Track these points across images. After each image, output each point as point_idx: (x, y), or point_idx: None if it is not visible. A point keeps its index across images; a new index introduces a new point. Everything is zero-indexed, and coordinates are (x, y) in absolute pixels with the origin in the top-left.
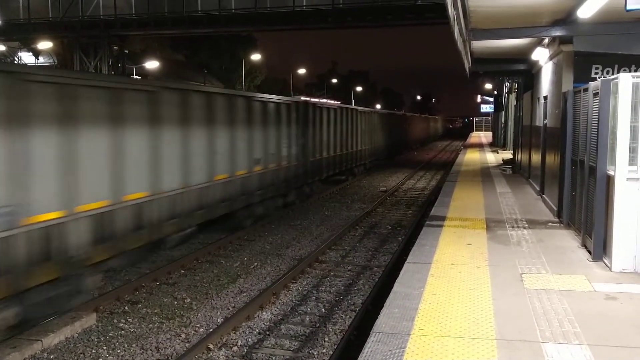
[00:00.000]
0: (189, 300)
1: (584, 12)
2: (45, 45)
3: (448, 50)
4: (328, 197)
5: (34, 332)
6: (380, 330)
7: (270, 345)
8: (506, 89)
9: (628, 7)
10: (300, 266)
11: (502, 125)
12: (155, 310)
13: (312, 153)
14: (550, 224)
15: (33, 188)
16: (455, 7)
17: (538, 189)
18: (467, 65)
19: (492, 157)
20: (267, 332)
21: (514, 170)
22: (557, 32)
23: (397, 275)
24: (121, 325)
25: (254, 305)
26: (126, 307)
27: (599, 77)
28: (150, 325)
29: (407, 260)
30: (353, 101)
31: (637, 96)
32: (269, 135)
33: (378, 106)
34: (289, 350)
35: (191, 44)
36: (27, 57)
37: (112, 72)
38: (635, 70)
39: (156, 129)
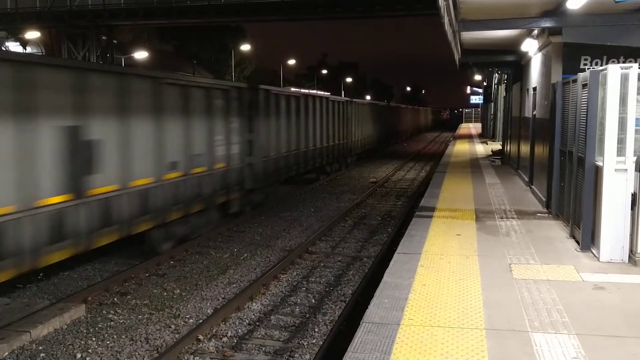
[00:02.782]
0: (178, 291)
1: (573, 3)
2: (32, 35)
3: (438, 42)
4: (318, 189)
5: (22, 323)
6: (370, 320)
7: (260, 335)
8: (495, 80)
9: None
10: (290, 257)
11: (492, 116)
12: (145, 302)
13: (351, 135)
14: (539, 214)
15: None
16: None
17: (527, 179)
18: (457, 57)
19: (481, 148)
20: (257, 323)
21: (503, 162)
22: (547, 23)
23: (386, 266)
24: (110, 316)
25: (243, 296)
26: (115, 299)
27: (588, 69)
28: (140, 316)
29: (397, 251)
30: (343, 92)
31: (625, 87)
32: (335, 122)
33: (368, 97)
34: (279, 340)
35: (180, 35)
36: (14, 47)
37: (101, 63)
38: (624, 62)
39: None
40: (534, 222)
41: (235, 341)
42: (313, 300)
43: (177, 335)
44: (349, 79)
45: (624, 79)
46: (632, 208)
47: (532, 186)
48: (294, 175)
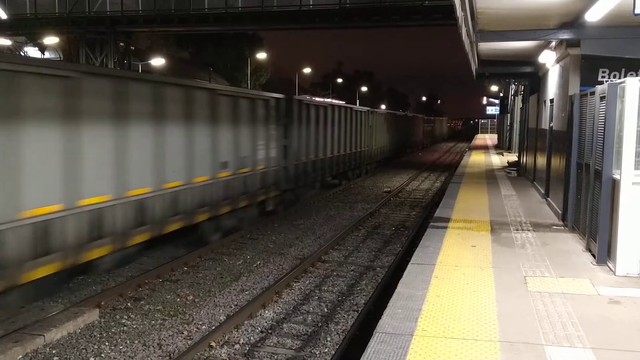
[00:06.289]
0: (191, 297)
1: (592, 16)
2: (51, 40)
3: (454, 52)
4: (331, 197)
5: (36, 327)
6: (384, 330)
7: (272, 344)
8: (512, 92)
9: (636, 11)
10: (303, 265)
11: (508, 127)
12: (158, 307)
13: (373, 143)
14: (554, 227)
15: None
16: (464, 9)
17: (543, 192)
18: (473, 67)
19: (497, 160)
20: (270, 331)
21: (519, 173)
22: (565, 35)
23: (400, 277)
24: (124, 321)
25: (256, 304)
26: (129, 304)
27: (606, 81)
28: (153, 321)
29: (411, 262)
30: (358, 101)
31: None
32: (358, 130)
33: (383, 106)
34: (291, 349)
35: (197, 42)
36: (33, 52)
37: (118, 69)
38: None
39: (326, 126)
40: (550, 234)
41: (248, 348)
42: (325, 309)
43: (189, 342)
44: (364, 88)
45: None
46: None
47: (548, 198)
48: (320, 179)
